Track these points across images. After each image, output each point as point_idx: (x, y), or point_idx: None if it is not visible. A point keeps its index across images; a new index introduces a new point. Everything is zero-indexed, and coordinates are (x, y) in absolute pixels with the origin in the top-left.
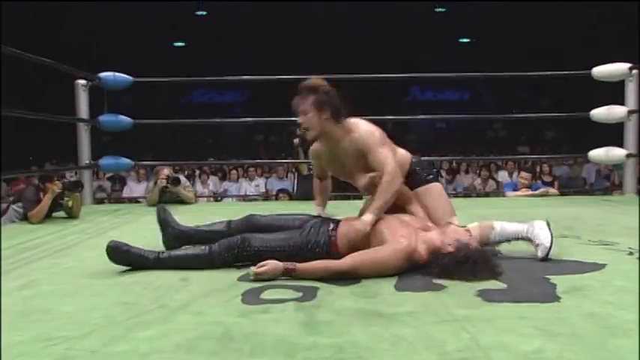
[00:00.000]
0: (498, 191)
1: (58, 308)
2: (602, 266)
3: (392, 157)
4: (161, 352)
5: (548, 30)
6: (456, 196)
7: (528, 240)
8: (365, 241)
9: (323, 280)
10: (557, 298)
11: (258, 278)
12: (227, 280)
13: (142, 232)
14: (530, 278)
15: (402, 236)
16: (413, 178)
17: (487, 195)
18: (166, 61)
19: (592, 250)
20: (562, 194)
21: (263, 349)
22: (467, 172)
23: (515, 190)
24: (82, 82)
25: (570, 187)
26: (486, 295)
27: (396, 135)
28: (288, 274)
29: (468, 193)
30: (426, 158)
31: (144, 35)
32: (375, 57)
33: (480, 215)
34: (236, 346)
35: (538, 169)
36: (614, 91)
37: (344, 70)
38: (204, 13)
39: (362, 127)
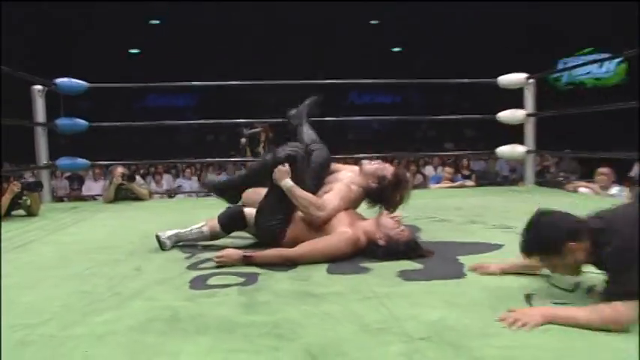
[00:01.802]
0: (425, 184)
1: (19, 299)
2: (500, 246)
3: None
4: (115, 334)
5: (468, 42)
6: None
7: None
8: (313, 230)
9: (266, 267)
10: (463, 275)
11: (219, 264)
12: (178, 269)
13: (99, 227)
14: (443, 259)
15: (347, 226)
16: None
17: (415, 187)
18: (123, 66)
19: (494, 233)
20: (478, 185)
21: (207, 328)
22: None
23: (438, 182)
24: (39, 87)
25: (485, 179)
26: (405, 275)
27: (337, 135)
28: (247, 261)
29: None
30: (363, 155)
31: (102, 43)
32: (316, 65)
33: (412, 204)
34: (183, 326)
35: (461, 163)
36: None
37: (286, 77)
38: (158, 22)
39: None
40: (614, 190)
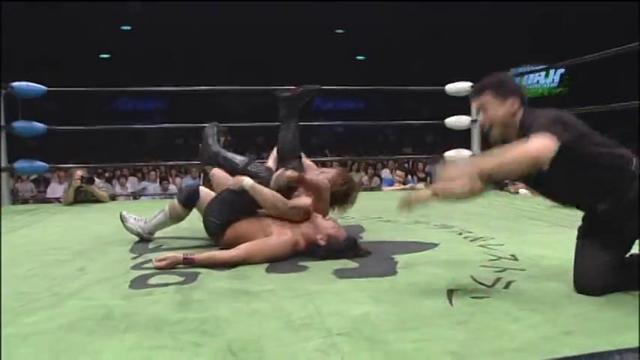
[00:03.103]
0: (381, 186)
1: None
2: (436, 245)
3: None
4: (43, 334)
5: (429, 51)
6: None
7: None
8: (253, 231)
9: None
10: (394, 273)
11: (159, 268)
12: (120, 269)
13: (52, 229)
14: (379, 257)
15: (286, 228)
16: None
17: (372, 189)
18: (94, 70)
19: (434, 232)
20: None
21: (136, 326)
22: (357, 170)
23: (390, 185)
24: None
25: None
26: (340, 273)
27: (302, 139)
28: (188, 263)
29: None
30: (327, 159)
31: (74, 47)
32: (282, 71)
33: (363, 206)
34: (113, 325)
35: (416, 166)
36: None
37: (255, 83)
38: (129, 28)
39: None
40: None
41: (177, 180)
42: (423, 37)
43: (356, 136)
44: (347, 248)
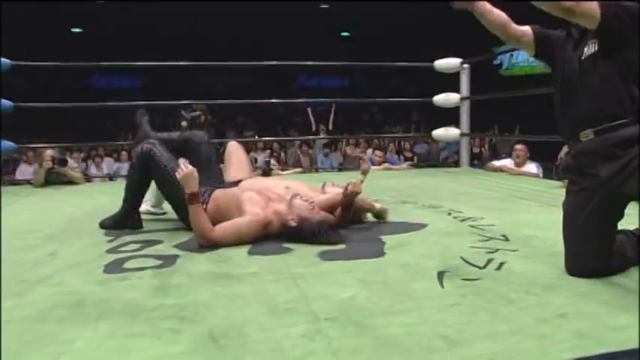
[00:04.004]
0: None
1: None
2: (425, 225)
3: None
4: (8, 323)
5: (414, 27)
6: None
7: None
8: (228, 210)
9: (187, 248)
10: (383, 254)
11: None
12: (94, 253)
13: (22, 212)
14: (366, 238)
15: (259, 207)
16: None
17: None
18: (65, 45)
19: (422, 212)
20: (418, 167)
21: (111, 313)
22: (341, 149)
23: (373, 165)
24: None
25: (427, 160)
26: (325, 255)
27: (286, 117)
28: (191, 197)
29: (342, 168)
30: (315, 137)
31: (43, 20)
32: (265, 47)
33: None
34: (85, 312)
35: (403, 145)
36: (474, 82)
37: (237, 59)
38: (102, 1)
39: None
40: (529, 165)
41: None
42: (408, 15)
43: (341, 115)
44: (319, 232)
